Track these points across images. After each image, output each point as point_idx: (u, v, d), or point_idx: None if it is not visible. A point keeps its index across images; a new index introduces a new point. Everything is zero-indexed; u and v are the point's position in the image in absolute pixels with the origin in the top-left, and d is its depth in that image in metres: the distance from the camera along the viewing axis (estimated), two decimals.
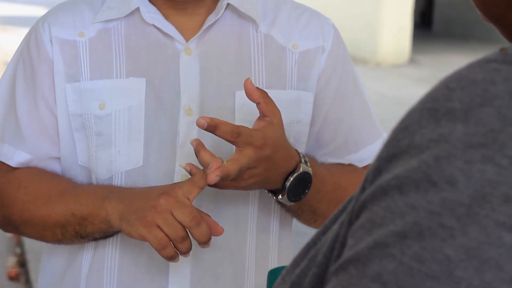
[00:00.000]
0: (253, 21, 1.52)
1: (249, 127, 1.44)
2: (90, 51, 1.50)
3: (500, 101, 0.59)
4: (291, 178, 1.41)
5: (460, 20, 15.22)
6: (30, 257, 4.73)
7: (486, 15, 0.77)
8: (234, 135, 1.30)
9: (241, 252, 1.54)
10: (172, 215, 1.33)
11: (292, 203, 1.46)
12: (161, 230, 1.33)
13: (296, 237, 1.68)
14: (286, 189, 1.41)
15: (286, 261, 1.60)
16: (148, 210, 1.35)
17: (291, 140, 1.50)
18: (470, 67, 0.62)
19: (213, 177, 1.29)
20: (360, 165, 1.61)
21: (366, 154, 1.61)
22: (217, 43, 1.51)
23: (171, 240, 1.34)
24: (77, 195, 1.46)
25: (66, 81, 1.50)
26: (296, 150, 1.43)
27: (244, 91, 1.38)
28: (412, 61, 12.80)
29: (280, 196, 1.43)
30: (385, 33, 12.63)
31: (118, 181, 1.49)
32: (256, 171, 1.35)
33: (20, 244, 5.10)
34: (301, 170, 1.41)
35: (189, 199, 1.35)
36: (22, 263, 4.88)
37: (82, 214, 1.44)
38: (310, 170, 1.43)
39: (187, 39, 1.50)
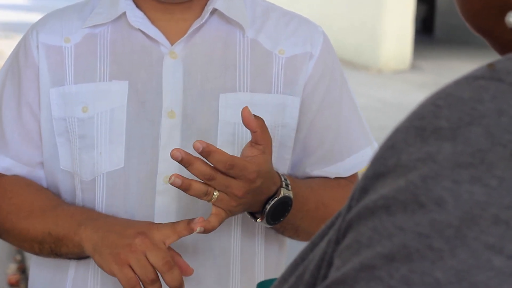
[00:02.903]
0: (240, 26, 1.52)
1: (231, 129, 1.46)
2: (75, 56, 1.52)
3: (488, 119, 0.58)
4: (272, 202, 1.39)
5: (461, 26, 15.14)
6: (30, 264, 4.72)
7: (475, 27, 0.77)
8: (227, 166, 1.27)
9: (225, 256, 1.53)
10: (146, 256, 1.34)
11: (272, 226, 1.45)
12: (132, 269, 1.34)
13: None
14: (265, 213, 1.40)
15: (273, 266, 1.60)
16: (122, 248, 1.35)
17: (276, 144, 1.50)
18: (458, 84, 0.61)
19: (196, 229, 1.32)
20: (347, 174, 1.60)
21: (352, 163, 1.60)
22: (202, 47, 1.51)
23: (140, 281, 1.34)
24: (56, 215, 1.48)
25: (51, 86, 1.52)
26: (278, 173, 1.42)
27: (228, 93, 1.41)
28: (413, 67, 12.79)
29: (259, 220, 1.43)
30: (386, 39, 12.63)
31: (100, 183, 1.50)
32: (242, 201, 1.34)
33: (20, 251, 5.10)
34: (281, 194, 1.40)
35: (165, 244, 1.35)
36: (23, 270, 4.88)
37: (58, 235, 1.46)
38: (290, 193, 1.42)
39: (172, 43, 1.51)
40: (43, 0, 31.35)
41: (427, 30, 17.67)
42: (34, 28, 1.57)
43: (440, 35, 17.06)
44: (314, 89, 1.55)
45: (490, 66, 0.62)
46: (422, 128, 0.59)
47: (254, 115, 1.32)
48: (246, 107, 1.32)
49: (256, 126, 1.32)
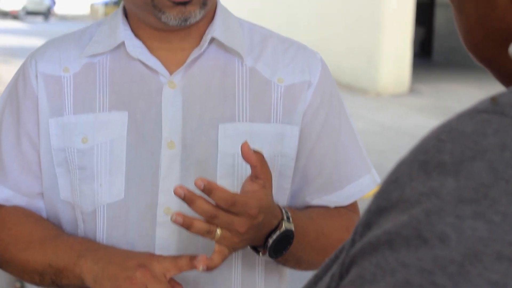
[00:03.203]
0: (238, 54, 1.52)
1: (231, 161, 1.46)
2: (74, 86, 1.52)
3: (491, 154, 0.57)
4: (274, 237, 1.38)
5: (459, 49, 15.23)
6: None
7: (477, 57, 0.77)
8: (229, 203, 1.26)
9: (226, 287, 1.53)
10: None
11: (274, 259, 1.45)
12: None
13: None
14: (268, 247, 1.39)
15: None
16: (123, 281, 1.35)
17: (275, 174, 1.49)
18: (461, 118, 0.61)
19: (199, 267, 1.31)
20: (346, 202, 1.60)
21: (351, 191, 1.59)
22: (201, 76, 1.51)
23: None
24: (56, 246, 1.47)
25: (50, 116, 1.52)
26: (279, 206, 1.41)
27: (227, 124, 1.42)
28: (412, 90, 12.81)
29: (261, 254, 1.42)
30: (385, 62, 12.66)
31: (101, 214, 1.50)
32: (245, 237, 1.33)
33: (20, 279, 5.07)
34: (283, 228, 1.39)
35: (165, 277, 1.35)
36: None
37: (59, 267, 1.45)
38: (292, 226, 1.40)
39: (171, 73, 1.51)
40: (42, 24, 31.50)
41: (425, 53, 17.72)
42: (33, 57, 1.57)
43: (438, 58, 17.11)
44: (313, 118, 1.55)
45: (493, 100, 0.62)
46: (426, 162, 0.59)
47: (254, 150, 1.31)
48: (246, 142, 1.31)
49: (256, 160, 1.31)
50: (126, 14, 1.56)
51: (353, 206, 1.61)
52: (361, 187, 1.60)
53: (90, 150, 1.49)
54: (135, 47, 1.51)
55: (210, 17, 1.53)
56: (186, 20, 1.44)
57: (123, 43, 1.51)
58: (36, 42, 20.73)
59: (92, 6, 43.64)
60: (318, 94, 1.55)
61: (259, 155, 1.32)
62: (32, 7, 36.28)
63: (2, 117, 1.57)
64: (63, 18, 38.69)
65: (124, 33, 1.52)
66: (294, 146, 1.53)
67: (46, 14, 36.89)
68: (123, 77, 1.51)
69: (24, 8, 35.54)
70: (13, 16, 34.86)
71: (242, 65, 1.53)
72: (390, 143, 8.70)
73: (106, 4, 39.41)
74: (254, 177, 1.33)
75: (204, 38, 1.51)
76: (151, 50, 1.52)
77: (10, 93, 1.57)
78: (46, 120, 1.52)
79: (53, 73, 1.54)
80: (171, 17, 1.43)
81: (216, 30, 1.51)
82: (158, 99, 1.49)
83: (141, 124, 1.49)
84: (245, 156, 1.31)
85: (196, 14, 1.44)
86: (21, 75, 1.56)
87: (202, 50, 1.50)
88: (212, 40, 1.51)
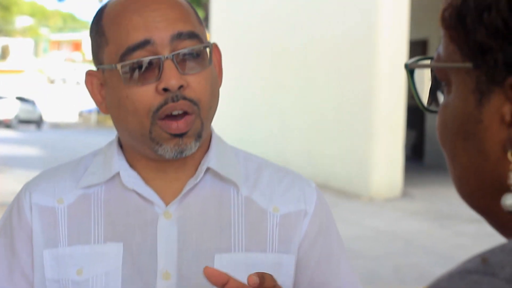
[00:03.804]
0: (234, 184, 1.53)
1: None
2: (68, 217, 1.52)
3: None
4: None
5: None
6: None
7: (472, 206, 0.77)
8: None
9: None
10: None
11: None
12: None
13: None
14: None
15: None
16: None
17: None
18: (451, 278, 0.60)
19: None
20: None
21: None
22: (197, 206, 1.51)
23: None
24: None
25: (44, 247, 1.51)
26: None
27: (223, 254, 1.44)
28: (405, 194, 12.82)
29: None
30: (377, 167, 12.70)
31: None
32: None
33: None
34: None
35: None
36: None
37: None
38: None
39: (167, 203, 1.51)
40: (35, 133, 31.67)
41: (417, 156, 17.81)
42: (27, 188, 1.57)
43: (430, 161, 17.18)
44: (311, 246, 1.55)
45: (484, 260, 0.61)
46: None
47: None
48: (206, 267, 1.27)
49: (221, 280, 1.27)
50: (121, 144, 1.57)
51: None
52: None
53: (85, 282, 1.48)
54: (130, 178, 1.51)
55: (205, 147, 1.54)
56: (182, 152, 1.45)
57: (118, 174, 1.52)
58: (30, 150, 20.83)
59: (81, 113, 44.02)
60: (314, 222, 1.55)
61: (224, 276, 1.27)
62: (24, 115, 36.55)
63: None
64: (56, 126, 38.95)
65: (119, 163, 1.52)
66: (291, 274, 1.53)
67: (39, 122, 37.16)
68: (118, 208, 1.52)
69: (16, 116, 35.80)
70: (6, 124, 35.10)
71: (238, 195, 1.53)
72: (385, 248, 8.65)
73: (99, 112, 39.74)
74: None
75: (199, 168, 1.52)
76: (146, 180, 1.52)
77: (4, 224, 1.57)
78: (41, 251, 1.51)
79: (47, 204, 1.54)
80: (168, 149, 1.44)
81: (212, 160, 1.52)
82: (153, 230, 1.49)
83: (136, 256, 1.49)
84: (208, 278, 1.27)
85: (191, 146, 1.45)
86: (16, 206, 1.56)
87: (198, 180, 1.50)
88: (208, 169, 1.52)
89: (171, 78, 1.40)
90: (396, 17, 12.49)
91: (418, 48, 17.08)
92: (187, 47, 1.44)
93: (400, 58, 12.51)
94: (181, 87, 1.42)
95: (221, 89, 1.54)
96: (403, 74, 12.55)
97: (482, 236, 9.02)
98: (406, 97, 12.89)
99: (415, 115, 17.36)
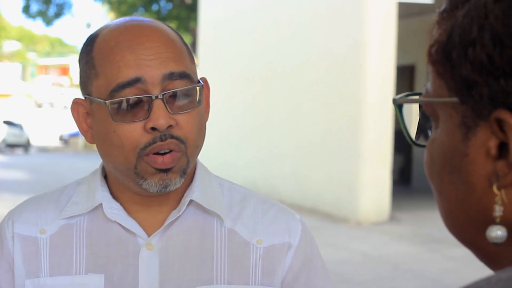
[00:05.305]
0: (217, 215, 1.52)
1: None
2: (50, 247, 1.52)
3: None
4: None
5: None
6: None
7: (459, 238, 0.77)
8: None
9: None
10: None
11: None
12: None
13: None
14: None
15: None
16: None
17: None
18: None
19: None
20: None
21: None
22: (179, 238, 1.51)
23: None
24: None
25: (26, 277, 1.51)
26: None
27: (205, 287, 1.44)
28: (392, 218, 12.82)
29: None
30: (365, 191, 12.71)
31: None
32: None
33: None
34: None
35: None
36: None
37: None
38: None
39: (149, 235, 1.50)
40: (22, 157, 31.54)
41: (405, 180, 17.84)
42: (10, 217, 1.56)
43: (417, 185, 17.21)
44: (294, 280, 1.54)
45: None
46: None
47: None
48: None
49: None
50: (105, 174, 1.56)
51: None
52: None
53: None
54: (113, 210, 1.50)
55: (189, 178, 1.54)
56: (166, 187, 1.44)
57: (101, 205, 1.51)
58: (17, 174, 20.74)
59: (61, 137, 43.83)
60: (299, 255, 1.54)
61: None
62: (12, 139, 36.42)
63: None
64: (43, 150, 38.82)
65: (102, 194, 1.52)
66: None
67: (26, 146, 37.03)
68: (100, 239, 1.51)
69: (4, 140, 35.68)
70: None
71: (221, 226, 1.53)
72: (372, 273, 8.64)
73: None
74: None
75: (182, 201, 1.51)
76: (129, 212, 1.52)
77: None
78: (22, 281, 1.51)
79: (29, 234, 1.53)
80: (152, 183, 1.44)
81: (195, 192, 1.51)
82: (135, 261, 1.49)
83: (117, 287, 1.48)
84: None
85: (176, 182, 1.45)
86: None
87: (180, 213, 1.49)
88: (191, 201, 1.51)
89: (160, 117, 1.40)
90: (383, 42, 12.56)
91: (405, 73, 17.16)
92: (177, 87, 1.43)
93: (388, 83, 12.57)
94: (169, 126, 1.41)
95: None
96: (390, 99, 12.60)
97: (470, 260, 9.02)
98: (394, 121, 12.93)
99: (403, 139, 17.40)
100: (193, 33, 25.06)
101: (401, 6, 13.43)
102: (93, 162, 26.79)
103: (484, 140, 0.74)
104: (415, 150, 17.55)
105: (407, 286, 8.03)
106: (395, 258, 9.56)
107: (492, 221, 0.72)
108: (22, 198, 12.45)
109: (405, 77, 17.22)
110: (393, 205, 13.27)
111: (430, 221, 12.35)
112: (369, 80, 12.55)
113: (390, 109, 12.59)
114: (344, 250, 9.87)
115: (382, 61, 12.53)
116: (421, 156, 17.23)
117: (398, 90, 14.06)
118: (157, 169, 1.42)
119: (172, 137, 1.42)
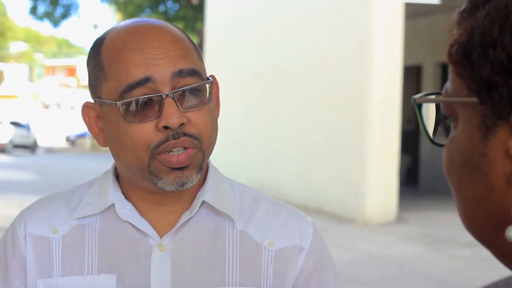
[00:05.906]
0: (229, 217, 1.52)
1: None
2: (62, 247, 1.52)
3: None
4: None
5: (444, 177, 15.24)
6: None
7: (476, 237, 0.78)
8: None
9: None
10: None
11: None
12: None
13: None
14: None
15: None
16: None
17: None
18: None
19: None
20: None
21: None
22: (191, 239, 1.51)
23: None
24: None
25: (38, 277, 1.51)
26: None
27: None
28: (399, 219, 12.81)
29: None
30: (371, 192, 12.70)
31: None
32: None
33: None
34: None
35: None
36: None
37: None
38: None
39: (161, 235, 1.50)
40: (29, 158, 31.60)
41: (412, 180, 17.82)
42: (22, 217, 1.56)
43: (424, 186, 17.20)
44: (306, 282, 1.54)
45: None
46: None
47: None
48: None
49: None
50: (117, 174, 1.57)
51: None
52: None
53: None
54: (125, 210, 1.51)
55: (201, 179, 1.54)
56: (183, 185, 1.44)
57: (113, 205, 1.51)
58: (24, 175, 20.77)
59: (68, 138, 43.87)
60: (310, 258, 1.55)
61: None
62: (19, 140, 36.45)
63: None
64: (50, 150, 38.87)
65: (114, 195, 1.52)
66: None
67: (33, 147, 37.08)
68: (113, 239, 1.51)
69: (11, 141, 35.72)
70: (0, 149, 35.02)
71: (233, 228, 1.53)
72: (378, 273, 8.64)
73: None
74: None
75: (195, 201, 1.51)
76: (141, 212, 1.52)
77: None
78: (34, 281, 1.51)
79: (41, 234, 1.53)
80: (168, 182, 1.44)
81: (207, 193, 1.51)
82: (147, 262, 1.49)
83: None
84: None
85: (193, 178, 1.45)
86: (10, 235, 1.56)
87: (193, 213, 1.50)
88: (203, 203, 1.51)
89: (172, 116, 1.40)
90: (389, 43, 12.55)
91: (412, 73, 17.14)
92: (187, 84, 1.43)
93: (394, 84, 12.55)
94: (182, 124, 1.41)
95: None
96: (397, 99, 12.59)
97: (477, 261, 9.01)
98: (401, 122, 12.91)
99: (410, 139, 17.39)
100: (200, 34, 25.06)
101: (408, 6, 13.41)
102: (100, 162, 26.83)
103: (504, 141, 0.74)
104: (422, 150, 17.54)
105: (413, 286, 8.02)
106: (401, 258, 9.55)
107: (510, 221, 0.72)
108: (29, 198, 12.51)
109: (412, 77, 17.20)
110: (400, 206, 13.25)
111: (437, 222, 12.34)
112: (375, 80, 12.54)
113: (396, 109, 12.58)
114: (350, 250, 9.87)
115: (388, 61, 12.52)
116: (428, 157, 17.21)
117: (405, 91, 14.04)
118: (172, 167, 1.43)
119: (185, 134, 1.42)
